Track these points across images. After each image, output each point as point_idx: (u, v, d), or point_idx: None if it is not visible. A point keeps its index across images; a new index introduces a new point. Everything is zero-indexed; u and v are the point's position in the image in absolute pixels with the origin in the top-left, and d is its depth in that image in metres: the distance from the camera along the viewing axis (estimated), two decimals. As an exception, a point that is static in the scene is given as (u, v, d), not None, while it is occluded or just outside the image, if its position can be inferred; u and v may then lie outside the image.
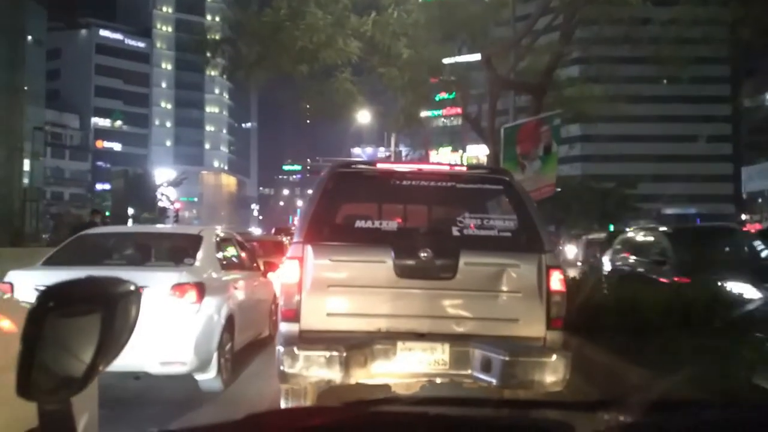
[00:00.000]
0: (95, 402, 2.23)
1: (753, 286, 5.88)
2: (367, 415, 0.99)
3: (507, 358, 3.10)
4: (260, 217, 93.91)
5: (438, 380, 3.33)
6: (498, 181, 3.91)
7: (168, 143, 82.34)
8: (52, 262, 4.97)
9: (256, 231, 38.86)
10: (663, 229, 8.56)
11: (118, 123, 76.10)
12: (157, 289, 4.33)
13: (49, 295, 0.76)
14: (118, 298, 0.84)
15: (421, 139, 27.24)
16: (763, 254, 7.52)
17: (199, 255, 5.11)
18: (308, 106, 12.73)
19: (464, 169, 4.27)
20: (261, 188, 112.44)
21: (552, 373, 3.13)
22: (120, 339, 0.84)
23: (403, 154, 28.99)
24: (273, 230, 22.91)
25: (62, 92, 68.84)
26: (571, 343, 3.74)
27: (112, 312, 0.81)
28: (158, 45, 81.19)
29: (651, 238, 8.48)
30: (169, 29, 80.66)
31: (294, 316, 3.39)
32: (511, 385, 3.12)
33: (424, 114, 17.06)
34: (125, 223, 31.90)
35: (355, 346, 3.19)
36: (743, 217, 44.48)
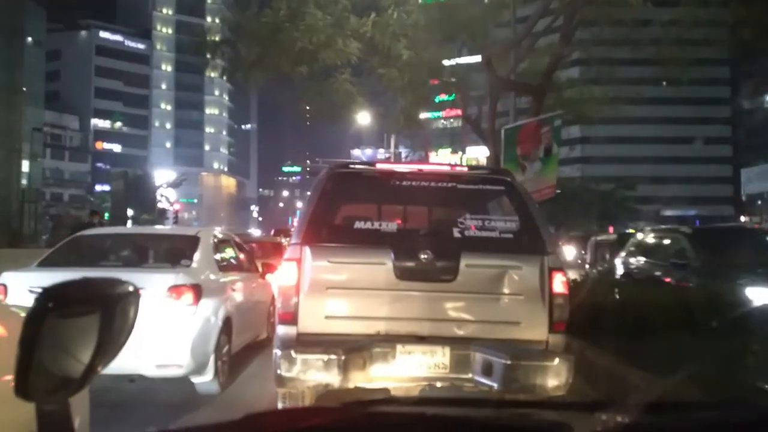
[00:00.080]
0: (86, 404, 2.18)
1: None
2: (365, 416, 0.98)
3: (508, 362, 3.05)
4: (260, 219, 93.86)
5: (438, 384, 3.27)
6: (499, 181, 3.86)
7: (168, 145, 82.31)
8: (47, 264, 4.92)
9: (255, 232, 38.80)
10: (683, 229, 7.97)
11: (118, 124, 76.07)
12: (153, 291, 4.27)
13: (48, 295, 0.77)
14: (117, 299, 0.84)
15: (420, 141, 27.22)
16: None
17: (196, 256, 5.05)
18: (308, 108, 12.71)
19: (465, 169, 4.20)
20: (260, 190, 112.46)
21: (554, 377, 3.08)
22: (118, 340, 0.84)
23: (403, 155, 28.96)
24: (272, 231, 22.82)
25: (62, 93, 68.78)
26: (574, 346, 3.69)
27: (110, 313, 0.81)
28: (158, 47, 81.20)
29: (668, 240, 7.96)
30: (169, 31, 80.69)
31: (291, 318, 3.33)
32: (513, 389, 3.06)
33: (423, 115, 17.03)
34: (125, 224, 31.85)
35: (353, 349, 3.14)
36: (742, 219, 44.44)
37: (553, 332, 3.34)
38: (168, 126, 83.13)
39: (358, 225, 3.50)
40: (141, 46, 79.56)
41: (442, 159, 35.01)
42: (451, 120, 33.11)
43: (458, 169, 4.25)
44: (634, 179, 45.37)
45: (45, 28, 52.07)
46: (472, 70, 13.34)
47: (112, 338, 0.82)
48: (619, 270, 8.42)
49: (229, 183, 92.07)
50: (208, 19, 74.38)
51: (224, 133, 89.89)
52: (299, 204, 75.75)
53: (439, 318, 3.37)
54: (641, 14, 10.56)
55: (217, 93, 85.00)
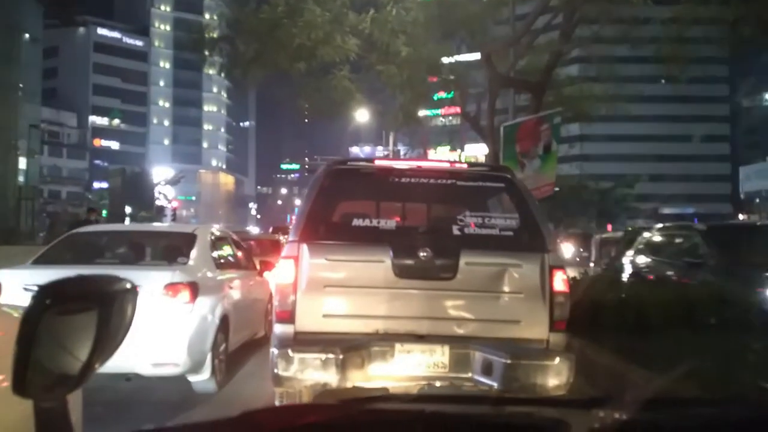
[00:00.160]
0: (79, 403, 2.15)
1: None
2: (364, 413, 0.98)
3: (509, 361, 3.02)
4: (258, 216, 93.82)
5: (437, 383, 3.24)
6: (499, 178, 3.82)
7: (166, 142, 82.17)
8: (42, 261, 4.87)
9: (254, 230, 38.78)
10: (696, 226, 7.62)
11: (116, 121, 75.91)
12: (149, 289, 4.23)
13: (45, 292, 0.76)
14: (114, 296, 0.84)
15: (419, 138, 27.14)
16: None
17: (193, 254, 5.01)
18: (306, 105, 12.64)
19: (465, 166, 4.16)
20: (259, 187, 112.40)
21: (555, 377, 3.05)
22: (116, 337, 0.84)
23: (402, 153, 28.89)
24: (270, 229, 22.77)
25: (60, 90, 68.59)
26: (574, 344, 3.65)
27: (108, 310, 0.81)
28: (156, 43, 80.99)
29: (680, 238, 7.59)
30: (167, 28, 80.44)
31: (289, 317, 3.29)
32: (513, 388, 3.03)
33: (422, 113, 16.97)
34: (123, 221, 31.77)
35: (351, 348, 3.10)
36: (740, 217, 44.51)
37: (554, 331, 3.30)
38: (166, 123, 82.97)
39: (357, 222, 3.46)
40: (139, 42, 79.35)
41: (441, 156, 34.95)
42: (450, 118, 33.05)
43: (458, 165, 4.19)
44: (633, 177, 45.40)
45: (42, 24, 51.84)
46: (471, 67, 13.29)
47: (109, 335, 0.82)
48: (627, 269, 8.05)
49: (227, 180, 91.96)
50: (207, 15, 74.21)
51: (222, 130, 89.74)
52: (298, 201, 75.74)
53: (439, 316, 3.33)
54: (641, 12, 10.51)
55: (215, 90, 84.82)
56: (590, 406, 1.00)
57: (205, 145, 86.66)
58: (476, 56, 11.44)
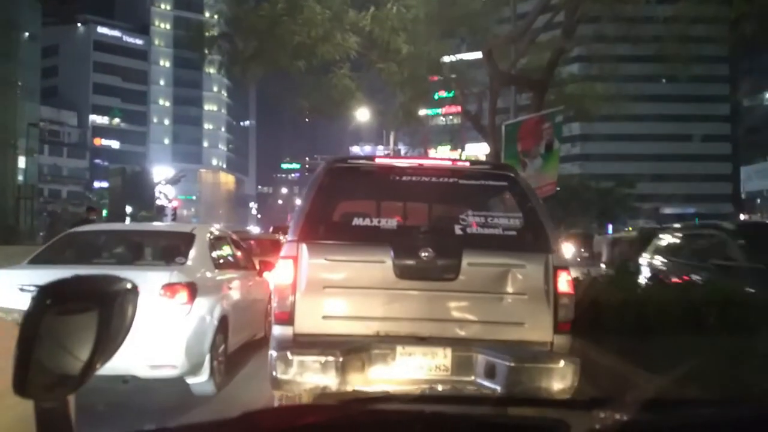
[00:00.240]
0: (72, 405, 2.08)
1: None
2: (364, 413, 0.99)
3: (512, 364, 2.94)
4: (259, 216, 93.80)
5: (439, 387, 3.17)
6: (502, 177, 3.74)
7: (166, 141, 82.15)
8: (38, 261, 4.80)
9: (254, 229, 38.73)
10: (724, 226, 7.09)
11: (117, 120, 75.89)
12: (146, 289, 4.15)
13: (46, 292, 0.77)
14: (115, 296, 0.84)
15: (419, 138, 27.08)
16: None
17: (192, 254, 4.94)
18: (306, 104, 12.58)
19: (467, 164, 4.07)
20: (259, 186, 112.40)
21: (560, 380, 2.97)
22: (117, 337, 0.85)
23: (402, 152, 28.82)
24: (271, 229, 22.70)
25: (60, 89, 68.60)
26: (578, 347, 3.57)
27: (108, 310, 0.82)
28: (156, 42, 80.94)
29: (705, 239, 7.06)
30: (168, 26, 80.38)
31: (288, 318, 3.22)
32: (517, 392, 2.95)
33: (423, 112, 16.91)
34: (123, 221, 31.72)
35: (352, 350, 3.03)
36: (742, 216, 44.47)
37: (558, 333, 3.23)
38: (166, 122, 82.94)
39: (357, 222, 3.39)
40: (139, 41, 79.33)
41: (442, 156, 34.87)
42: (450, 117, 33.01)
43: (460, 164, 4.11)
44: (634, 177, 45.36)
45: (40, 21, 51.79)
46: (472, 66, 13.22)
47: (110, 336, 0.82)
48: (645, 271, 7.48)
49: (227, 180, 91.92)
50: (207, 14, 74.09)
51: (223, 129, 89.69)
52: (298, 201, 75.51)
53: (441, 318, 3.26)
54: (642, 10, 10.46)
55: (215, 89, 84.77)
56: (591, 407, 1.00)
57: (205, 144, 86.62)
58: (477, 55, 11.38)
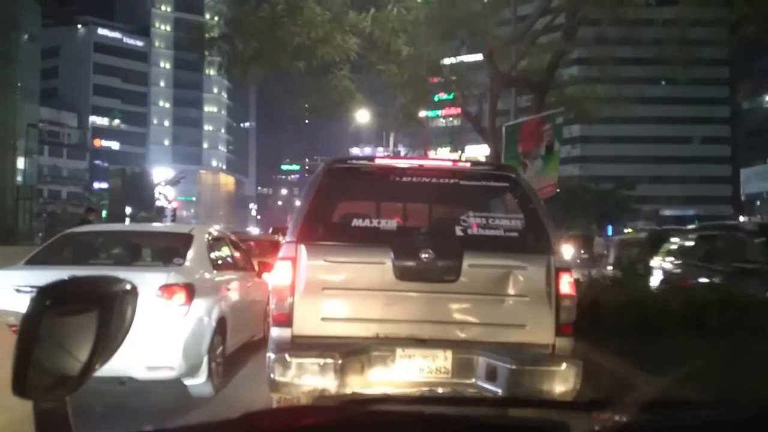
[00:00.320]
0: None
1: None
2: (364, 414, 0.99)
3: (514, 367, 2.91)
4: (258, 217, 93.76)
5: (440, 390, 3.13)
6: (504, 177, 3.71)
7: (166, 142, 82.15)
8: (34, 262, 4.77)
9: (254, 231, 38.69)
10: (745, 227, 6.95)
11: (117, 122, 75.91)
12: (144, 290, 4.11)
13: (45, 293, 0.77)
14: (114, 297, 0.85)
15: (419, 139, 27.07)
16: None
17: (190, 255, 4.91)
18: (306, 105, 12.56)
19: (468, 165, 4.04)
20: (259, 188, 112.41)
21: (562, 383, 2.94)
22: (116, 338, 0.85)
23: (402, 154, 28.80)
24: (270, 230, 22.67)
25: (60, 90, 68.65)
26: (579, 349, 3.53)
27: (108, 311, 0.82)
28: (157, 44, 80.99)
29: (723, 241, 6.76)
30: (168, 28, 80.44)
31: (286, 320, 3.19)
32: (518, 395, 2.92)
33: (423, 113, 16.89)
34: (122, 222, 31.69)
35: (351, 352, 3.00)
36: (741, 219, 44.46)
37: (560, 335, 3.20)
38: (166, 123, 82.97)
39: (356, 222, 3.36)
40: (139, 43, 79.39)
41: (442, 157, 34.84)
42: (450, 119, 33.00)
43: (461, 164, 4.07)
44: (633, 179, 45.34)
45: (40, 22, 51.81)
46: (473, 68, 13.19)
47: (109, 336, 0.83)
48: (657, 274, 7.20)
49: (227, 181, 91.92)
50: (207, 16, 74.19)
51: (223, 131, 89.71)
52: (298, 202, 75.40)
53: (441, 320, 3.23)
54: (643, 13, 10.44)
55: (215, 90, 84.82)
56: (590, 409, 1.00)
57: (205, 145, 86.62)
58: (477, 57, 11.35)
